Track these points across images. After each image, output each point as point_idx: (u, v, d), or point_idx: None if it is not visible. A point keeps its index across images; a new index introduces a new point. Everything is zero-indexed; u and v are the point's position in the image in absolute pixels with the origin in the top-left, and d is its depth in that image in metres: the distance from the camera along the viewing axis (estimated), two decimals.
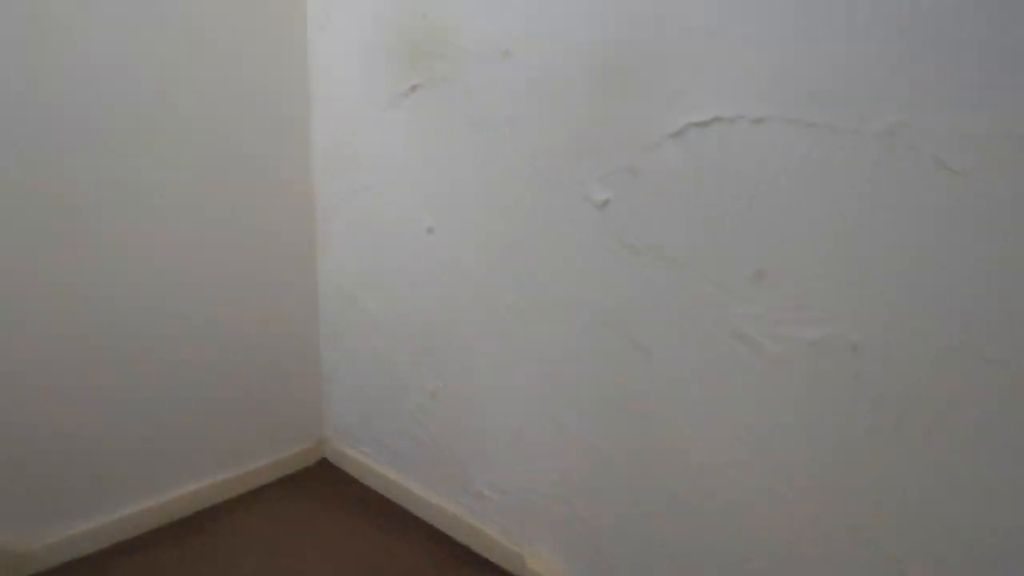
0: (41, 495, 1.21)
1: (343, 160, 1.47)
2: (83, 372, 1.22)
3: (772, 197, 0.79)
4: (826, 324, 0.77)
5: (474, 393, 1.25)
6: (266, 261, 1.50)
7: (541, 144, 1.03)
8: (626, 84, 0.91)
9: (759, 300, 0.82)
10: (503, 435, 1.21)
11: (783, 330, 0.81)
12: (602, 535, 1.06)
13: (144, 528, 1.37)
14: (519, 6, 1.02)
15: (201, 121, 1.32)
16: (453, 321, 1.26)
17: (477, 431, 1.26)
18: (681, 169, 0.87)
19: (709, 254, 0.86)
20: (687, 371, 0.90)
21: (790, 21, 0.75)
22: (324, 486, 1.60)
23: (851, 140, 0.73)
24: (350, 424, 1.63)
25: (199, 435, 1.44)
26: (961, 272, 0.67)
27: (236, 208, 1.42)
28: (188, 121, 1.29)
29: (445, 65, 1.15)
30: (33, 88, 1.07)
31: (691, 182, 0.86)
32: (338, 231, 1.53)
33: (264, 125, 1.44)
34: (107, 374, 1.26)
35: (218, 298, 1.42)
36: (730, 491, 0.89)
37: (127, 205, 1.23)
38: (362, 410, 1.58)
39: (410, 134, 1.27)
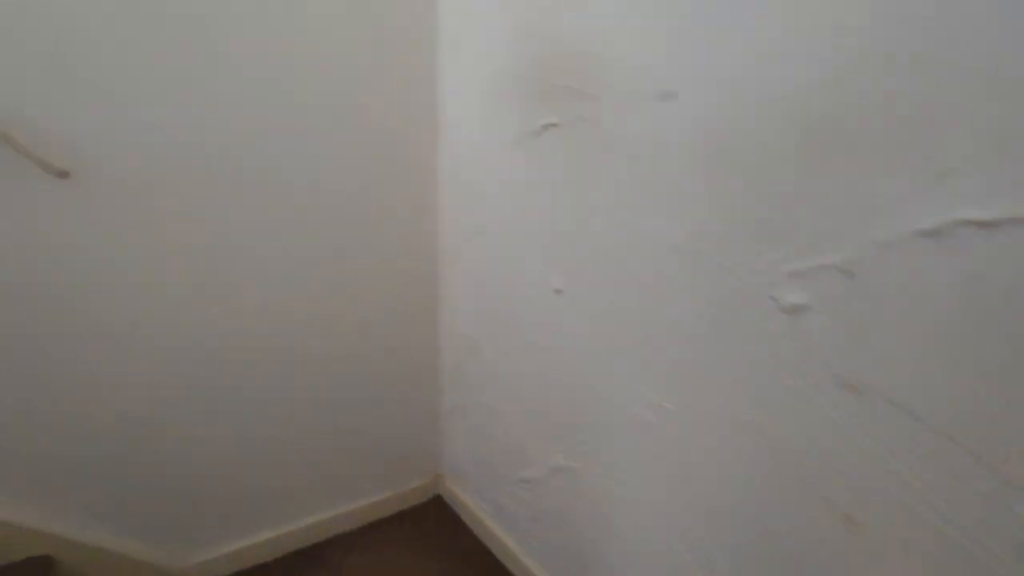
0: (192, 519, 1.30)
1: (468, 197, 1.35)
2: (229, 411, 1.28)
3: None
4: None
5: (605, 489, 1.07)
6: (391, 293, 1.45)
7: (708, 214, 0.79)
8: (851, 149, 0.63)
9: None
10: (636, 551, 1.02)
11: None
12: None
13: (276, 554, 1.44)
14: (692, 34, 0.77)
15: (331, 151, 1.26)
16: (582, 400, 1.08)
17: (605, 533, 1.08)
18: (937, 284, 0.58)
19: (986, 423, 0.57)
20: (925, 571, 0.63)
21: None
22: (436, 528, 1.56)
23: None
24: (465, 468, 1.56)
25: (327, 467, 1.47)
26: None
27: (362, 243, 1.37)
28: (319, 154, 1.25)
29: (586, 103, 0.95)
30: (190, 140, 1.09)
31: (956, 307, 0.57)
32: (459, 271, 1.43)
33: (391, 154, 1.36)
34: (247, 412, 1.30)
35: (345, 333, 1.40)
36: None
37: (264, 248, 1.23)
38: (477, 459, 1.49)
39: (539, 179, 1.09)
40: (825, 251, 0.67)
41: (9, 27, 0.89)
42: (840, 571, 0.70)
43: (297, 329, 1.32)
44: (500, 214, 1.24)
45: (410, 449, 1.62)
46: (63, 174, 0.94)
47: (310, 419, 1.41)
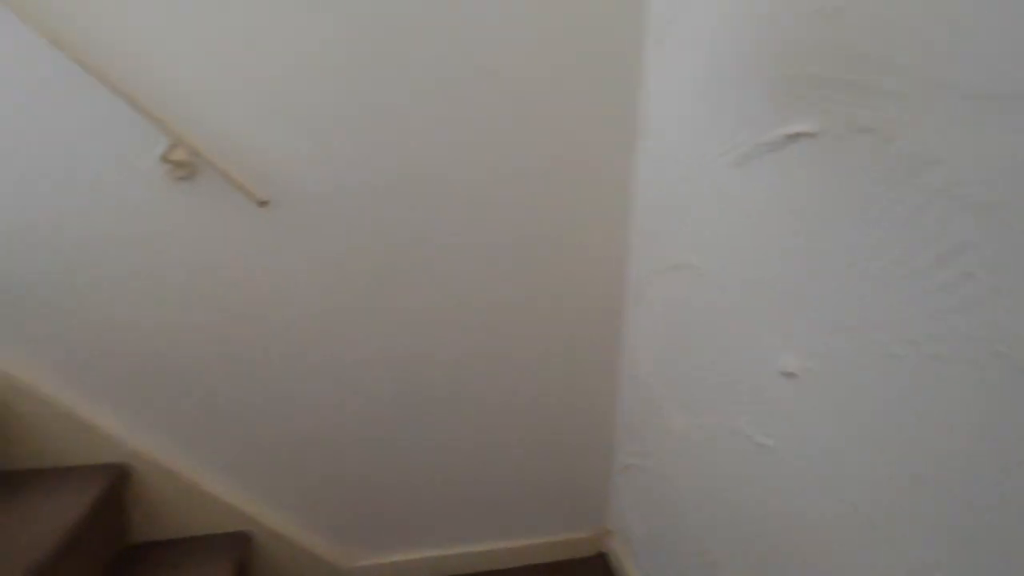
0: (367, 525, 1.34)
1: (667, 220, 1.08)
2: (414, 435, 1.28)
3: None
4: None
5: None
6: (569, 320, 1.29)
7: None
8: None
9: None
10: None
11: None
12: None
13: (432, 574, 1.41)
14: None
15: (517, 154, 1.14)
16: (813, 537, 0.75)
17: None
18: None
19: None
20: None
21: None
22: None
23: None
24: (635, 536, 1.32)
25: (493, 499, 1.40)
26: None
27: (542, 264, 1.23)
28: (501, 169, 1.14)
29: (872, 104, 0.60)
30: (380, 167, 1.07)
31: None
32: (648, 310, 1.17)
33: (580, 161, 1.17)
34: (424, 431, 1.29)
35: (519, 359, 1.29)
36: None
37: (443, 268, 1.18)
38: (652, 533, 1.23)
39: (776, 210, 0.77)
40: None
41: (225, 73, 0.95)
42: None
43: (472, 351, 1.25)
44: (710, 248, 0.94)
45: (577, 496, 1.44)
46: (263, 203, 0.98)
47: (480, 447, 1.34)
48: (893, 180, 0.58)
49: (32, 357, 1.03)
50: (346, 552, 1.35)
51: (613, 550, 1.43)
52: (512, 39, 1.06)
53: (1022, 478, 0.47)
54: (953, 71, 0.51)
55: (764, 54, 0.77)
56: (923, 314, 0.56)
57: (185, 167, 0.95)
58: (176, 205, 0.99)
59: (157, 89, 0.92)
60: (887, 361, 0.60)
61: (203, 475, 1.19)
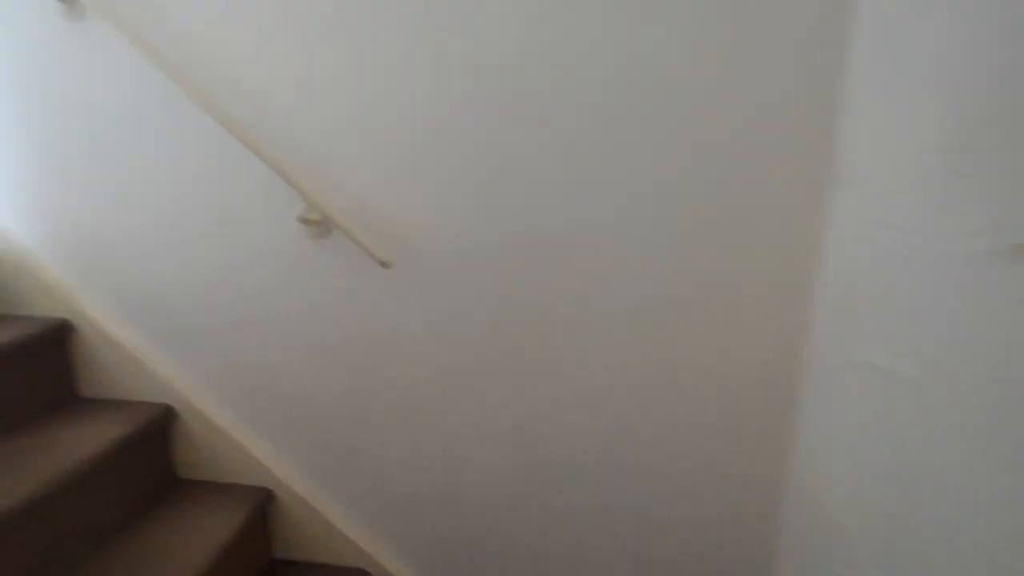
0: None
1: (867, 302, 0.80)
2: (536, 503, 1.20)
3: None
4: None
5: None
6: (723, 405, 1.07)
7: None
8: None
9: None
10: None
11: None
12: None
13: None
14: None
15: (667, 198, 0.97)
16: None
17: None
18: None
19: None
20: None
21: None
22: None
23: None
24: None
25: None
26: None
27: (697, 334, 1.03)
28: (653, 206, 0.98)
29: None
30: (505, 222, 1.01)
31: None
32: (832, 412, 0.89)
33: (753, 207, 0.95)
34: (550, 508, 1.20)
35: (658, 442, 1.11)
36: None
37: (578, 324, 1.06)
38: None
39: None
40: None
41: (357, 140, 0.97)
42: None
43: (600, 419, 1.11)
44: (935, 360, 0.65)
45: None
46: (386, 264, 0.97)
47: (604, 530, 1.19)
48: None
49: (203, 386, 1.19)
50: None
51: None
52: (669, 70, 0.89)
53: None
54: None
55: None
56: None
57: (319, 226, 0.99)
58: (311, 261, 1.04)
59: (298, 156, 0.98)
60: None
61: (332, 509, 1.25)
